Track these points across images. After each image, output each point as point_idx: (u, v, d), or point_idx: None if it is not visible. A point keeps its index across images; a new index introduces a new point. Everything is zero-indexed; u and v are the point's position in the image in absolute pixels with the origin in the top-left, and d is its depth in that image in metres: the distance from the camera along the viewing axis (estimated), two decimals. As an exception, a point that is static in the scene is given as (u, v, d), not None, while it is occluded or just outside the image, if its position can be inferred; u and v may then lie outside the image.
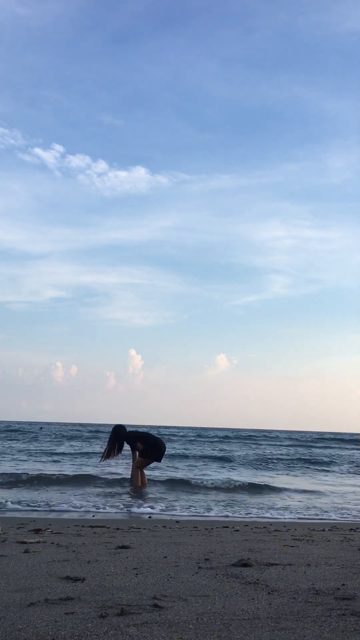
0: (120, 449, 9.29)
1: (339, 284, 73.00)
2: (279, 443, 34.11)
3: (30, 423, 75.68)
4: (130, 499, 7.95)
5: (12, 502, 6.99)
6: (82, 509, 6.83)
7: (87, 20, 51.53)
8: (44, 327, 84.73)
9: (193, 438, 36.21)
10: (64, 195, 61.98)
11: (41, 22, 50.74)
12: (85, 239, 67.49)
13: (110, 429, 9.41)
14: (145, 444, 9.32)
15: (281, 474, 13.66)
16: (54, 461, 14.61)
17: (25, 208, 62.44)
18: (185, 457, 18.17)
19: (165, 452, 9.72)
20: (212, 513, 6.89)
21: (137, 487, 9.18)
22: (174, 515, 6.64)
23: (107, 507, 7.00)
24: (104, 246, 67.49)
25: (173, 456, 17.64)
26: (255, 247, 70.09)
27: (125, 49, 52.60)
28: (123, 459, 11.41)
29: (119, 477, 10.35)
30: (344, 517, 6.98)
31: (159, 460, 9.50)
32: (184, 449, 23.21)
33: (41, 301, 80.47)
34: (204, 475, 12.08)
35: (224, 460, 17.57)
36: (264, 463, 16.97)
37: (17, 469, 11.67)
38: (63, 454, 17.28)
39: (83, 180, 57.69)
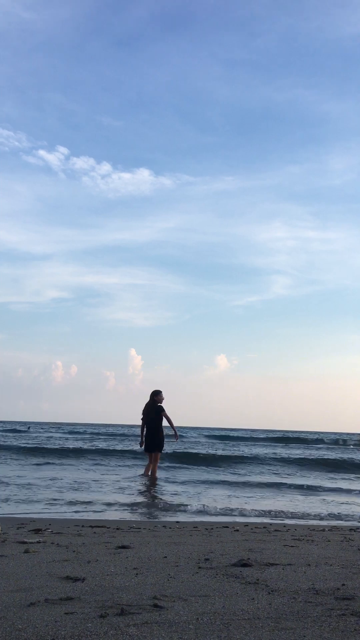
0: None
1: (340, 285, 73.12)
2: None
3: (27, 423, 75.55)
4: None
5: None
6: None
7: (91, 24, 51.76)
8: (45, 328, 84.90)
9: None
10: (67, 197, 62.09)
11: (46, 26, 50.94)
12: (87, 240, 67.62)
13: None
14: None
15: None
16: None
17: (28, 209, 62.57)
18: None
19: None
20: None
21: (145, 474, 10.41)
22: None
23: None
24: (106, 247, 67.63)
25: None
26: (256, 247, 70.22)
27: (129, 52, 52.77)
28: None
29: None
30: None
31: (148, 451, 10.29)
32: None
33: (43, 302, 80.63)
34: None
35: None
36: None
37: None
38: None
39: (87, 182, 57.84)
